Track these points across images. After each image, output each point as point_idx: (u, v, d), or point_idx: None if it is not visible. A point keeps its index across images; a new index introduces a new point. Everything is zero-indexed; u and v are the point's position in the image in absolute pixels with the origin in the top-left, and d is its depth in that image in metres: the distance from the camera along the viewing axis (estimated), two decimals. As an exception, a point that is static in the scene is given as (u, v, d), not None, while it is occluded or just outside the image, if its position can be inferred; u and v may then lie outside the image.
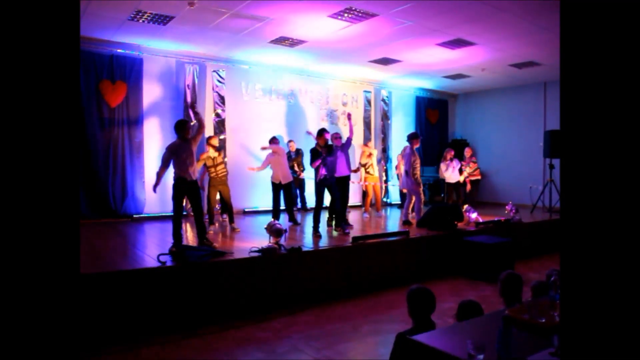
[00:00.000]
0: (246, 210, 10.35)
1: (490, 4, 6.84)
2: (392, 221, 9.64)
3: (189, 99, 9.70)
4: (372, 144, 10.56)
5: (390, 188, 12.99)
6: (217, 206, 8.89)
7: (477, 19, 7.50)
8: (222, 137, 9.94)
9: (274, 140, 8.84)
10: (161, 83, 9.63)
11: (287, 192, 8.61)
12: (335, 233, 7.40)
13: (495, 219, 8.67)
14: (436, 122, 14.30)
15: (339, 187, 7.69)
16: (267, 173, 10.36)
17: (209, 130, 10.02)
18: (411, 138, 8.50)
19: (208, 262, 5.24)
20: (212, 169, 7.94)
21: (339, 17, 7.43)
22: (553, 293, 2.62)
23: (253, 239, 6.75)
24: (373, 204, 10.35)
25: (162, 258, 5.14)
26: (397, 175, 11.78)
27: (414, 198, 8.75)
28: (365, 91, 12.72)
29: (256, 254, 5.59)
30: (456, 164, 10.46)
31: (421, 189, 8.58)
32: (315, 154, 7.39)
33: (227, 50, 9.67)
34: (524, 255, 8.17)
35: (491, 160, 13.47)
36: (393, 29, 8.05)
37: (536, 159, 12.40)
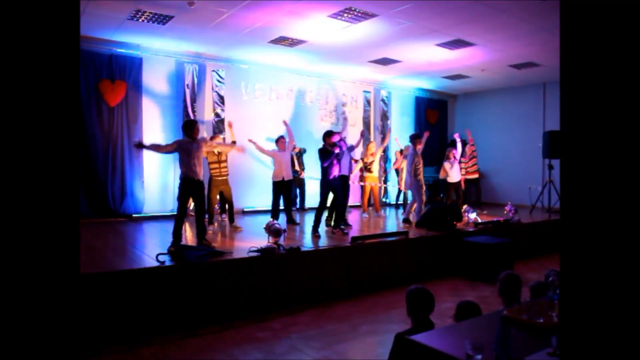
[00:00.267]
0: (245, 209, 10.35)
1: (490, 5, 6.84)
2: (391, 221, 9.65)
3: (188, 99, 9.71)
4: (374, 144, 10.57)
5: (389, 188, 12.99)
6: (216, 206, 8.89)
7: (477, 20, 7.51)
8: (221, 136, 9.92)
9: (280, 140, 8.82)
10: (161, 83, 9.63)
11: (287, 191, 8.61)
12: (333, 233, 7.39)
13: (495, 220, 8.68)
14: (435, 122, 14.30)
15: (343, 188, 7.71)
16: (266, 172, 10.39)
17: (208, 130, 10.04)
18: (414, 139, 8.57)
19: (207, 262, 5.24)
20: (217, 168, 7.98)
21: (339, 17, 7.43)
22: (551, 293, 2.62)
23: (252, 238, 6.75)
24: (372, 204, 10.34)
25: (161, 258, 5.14)
26: (396, 170, 11.78)
27: (416, 198, 8.75)
28: (364, 91, 12.72)
29: (255, 254, 5.59)
30: (456, 164, 10.49)
31: (423, 190, 8.60)
32: (326, 153, 7.33)
33: (227, 50, 9.67)
34: (523, 256, 8.19)
35: (490, 160, 13.47)
36: (393, 29, 8.05)
37: (535, 160, 12.40)
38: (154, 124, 9.50)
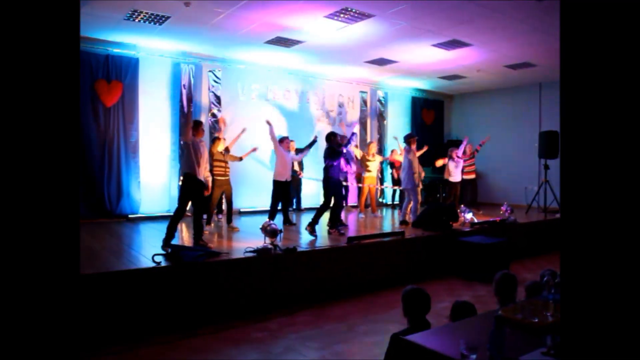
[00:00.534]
0: (242, 210, 10.35)
1: (485, 6, 6.87)
2: (388, 221, 9.67)
3: (184, 99, 9.70)
4: (375, 145, 10.65)
5: (386, 189, 13.00)
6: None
7: (473, 21, 7.53)
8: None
9: (285, 140, 8.81)
10: (157, 83, 9.62)
11: (287, 192, 8.59)
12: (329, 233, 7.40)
13: (491, 220, 8.70)
14: (432, 122, 14.33)
15: (341, 189, 7.73)
16: (263, 173, 10.40)
17: (205, 131, 10.02)
18: (408, 138, 8.63)
19: (203, 263, 5.24)
20: (222, 168, 8.00)
21: (335, 18, 7.44)
22: (546, 293, 2.64)
23: (248, 239, 6.75)
24: (368, 204, 10.36)
25: (157, 258, 5.14)
26: (391, 162, 11.77)
27: (412, 198, 8.77)
28: (361, 92, 12.73)
29: (251, 255, 5.59)
30: (460, 162, 10.53)
31: (419, 189, 8.63)
32: (335, 152, 7.35)
33: (223, 50, 9.67)
34: (519, 256, 8.20)
35: (487, 160, 13.50)
36: (389, 30, 8.07)
37: (531, 160, 12.44)
38: (151, 125, 9.49)
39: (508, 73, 11.41)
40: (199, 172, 6.21)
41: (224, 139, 8.60)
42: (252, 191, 10.41)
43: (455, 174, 10.52)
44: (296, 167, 10.17)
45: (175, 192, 9.61)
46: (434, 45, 8.99)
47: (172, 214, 6.32)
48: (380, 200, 12.74)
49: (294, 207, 10.74)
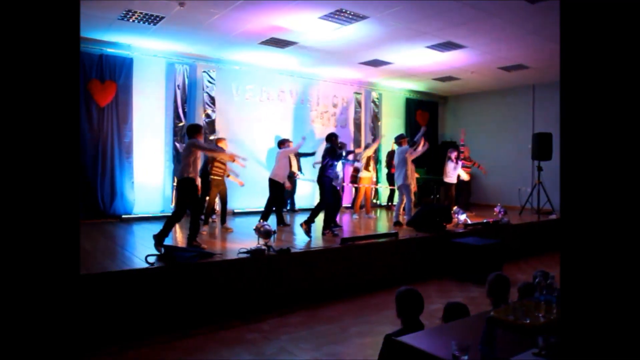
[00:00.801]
0: (236, 211, 10.33)
1: (479, 8, 6.90)
2: (382, 223, 9.68)
3: (179, 99, 9.68)
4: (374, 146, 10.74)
5: (380, 190, 13.02)
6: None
7: (466, 23, 7.56)
8: (211, 137, 9.92)
9: (287, 143, 8.83)
10: (151, 83, 9.59)
11: (281, 193, 8.59)
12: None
13: (484, 221, 8.73)
14: (426, 124, 14.34)
15: (335, 191, 7.72)
16: (258, 174, 10.38)
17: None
18: (399, 139, 8.76)
19: (196, 264, 5.23)
20: (221, 170, 8.01)
21: (330, 19, 7.45)
22: (538, 294, 2.65)
23: (242, 240, 6.74)
24: (363, 205, 10.37)
25: (150, 259, 5.12)
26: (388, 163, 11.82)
27: (404, 198, 8.80)
28: (355, 93, 12.74)
29: (245, 255, 5.59)
30: (459, 163, 10.57)
31: (411, 189, 8.66)
32: (334, 152, 7.38)
33: (218, 51, 9.66)
34: (512, 257, 8.24)
35: (480, 162, 13.51)
36: (383, 31, 8.09)
37: (525, 161, 12.50)
38: (144, 125, 9.46)
39: (502, 75, 11.46)
40: (197, 173, 6.26)
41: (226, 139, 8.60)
42: (247, 192, 10.38)
43: (451, 176, 10.55)
44: (294, 169, 10.15)
45: (169, 193, 9.60)
46: (428, 47, 9.02)
47: (166, 214, 6.31)
48: (374, 201, 12.76)
49: (288, 207, 10.73)
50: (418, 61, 10.21)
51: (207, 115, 10.04)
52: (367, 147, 10.40)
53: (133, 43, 9.07)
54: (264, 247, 5.78)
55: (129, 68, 9.14)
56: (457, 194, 10.74)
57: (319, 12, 7.15)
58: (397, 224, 8.52)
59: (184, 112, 9.72)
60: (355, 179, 10.35)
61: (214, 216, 8.91)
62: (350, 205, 11.63)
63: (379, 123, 13.25)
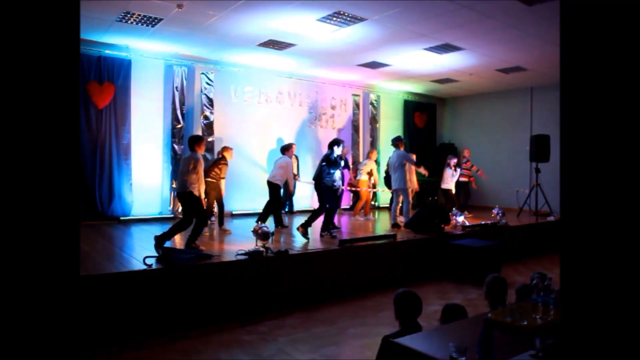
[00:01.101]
0: (234, 213, 10.33)
1: (477, 11, 6.91)
2: (380, 225, 9.68)
3: (177, 101, 9.68)
4: (376, 152, 10.76)
5: (379, 193, 13.02)
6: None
7: (464, 25, 7.57)
8: (210, 139, 9.92)
9: (293, 147, 8.85)
10: (149, 85, 9.59)
11: (280, 195, 8.61)
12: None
13: (482, 222, 8.74)
14: (424, 126, 14.38)
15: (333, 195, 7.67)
16: (255, 176, 10.39)
17: (197, 133, 10.01)
18: (396, 141, 8.74)
19: (194, 265, 5.23)
20: (219, 173, 8.01)
21: (328, 21, 7.46)
22: (535, 296, 2.66)
23: (240, 241, 6.74)
24: (362, 207, 10.37)
25: (149, 261, 5.12)
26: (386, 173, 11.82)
27: (401, 199, 8.80)
28: (353, 95, 12.76)
29: (243, 257, 5.59)
30: (458, 171, 10.60)
31: (410, 191, 8.67)
32: (334, 163, 7.33)
33: (216, 53, 9.66)
34: (510, 259, 8.24)
35: (479, 164, 13.51)
36: (381, 34, 8.10)
37: (523, 163, 12.52)
38: (143, 126, 9.46)
39: (500, 77, 11.48)
40: (199, 187, 6.19)
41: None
42: (245, 194, 10.40)
43: (449, 182, 10.56)
44: (294, 171, 10.14)
45: (167, 194, 9.59)
46: (426, 49, 9.03)
47: (164, 216, 6.30)
48: (373, 203, 12.76)
49: (286, 209, 10.73)
50: (416, 63, 10.23)
51: (206, 117, 10.04)
52: (366, 161, 10.37)
53: (131, 45, 9.07)
54: (262, 249, 5.78)
55: (127, 70, 9.14)
56: (456, 196, 10.76)
57: (317, 14, 7.16)
58: (395, 225, 8.53)
59: (182, 114, 9.72)
60: (353, 182, 10.36)
61: (212, 218, 8.90)
62: (349, 207, 11.64)
63: (377, 125, 13.27)
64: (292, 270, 5.88)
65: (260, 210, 8.58)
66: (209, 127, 10.06)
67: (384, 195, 12.79)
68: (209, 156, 9.71)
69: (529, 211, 11.15)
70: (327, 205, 7.32)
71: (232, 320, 5.16)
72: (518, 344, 2.31)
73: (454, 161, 10.58)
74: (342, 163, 7.44)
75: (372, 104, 13.15)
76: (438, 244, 7.46)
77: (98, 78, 8.83)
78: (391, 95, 13.70)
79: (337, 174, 7.39)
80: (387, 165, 12.22)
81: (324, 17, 7.29)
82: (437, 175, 11.41)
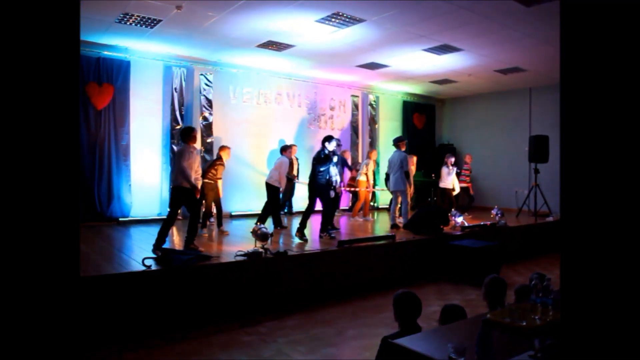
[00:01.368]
0: (233, 214, 10.33)
1: (475, 12, 6.92)
2: (379, 225, 9.68)
3: (176, 102, 9.67)
4: (375, 152, 10.77)
5: (378, 193, 13.02)
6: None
7: (463, 26, 7.58)
8: (209, 140, 9.92)
9: (293, 148, 8.82)
10: (148, 86, 9.59)
11: (278, 195, 8.60)
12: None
13: (481, 223, 8.74)
14: (423, 126, 14.38)
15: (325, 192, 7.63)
16: (254, 176, 10.39)
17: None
18: (398, 141, 8.71)
19: (193, 266, 5.23)
20: (215, 174, 8.01)
21: (327, 22, 7.47)
22: (534, 297, 2.66)
23: (239, 243, 6.74)
24: (361, 208, 10.37)
25: (147, 262, 5.12)
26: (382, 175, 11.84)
27: (399, 200, 8.80)
28: (352, 95, 12.76)
29: (242, 258, 5.58)
30: (454, 169, 10.61)
31: (409, 192, 8.66)
32: (325, 159, 7.27)
33: (215, 54, 9.67)
34: (509, 259, 8.24)
35: (478, 164, 13.57)
36: (380, 35, 8.11)
37: (522, 164, 12.53)
38: (142, 128, 9.46)
39: (498, 78, 11.49)
40: (189, 181, 6.06)
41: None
42: (243, 195, 10.40)
43: (446, 181, 10.58)
44: (295, 172, 10.13)
45: (166, 195, 9.59)
46: (425, 50, 9.04)
47: (163, 217, 6.30)
48: (372, 203, 12.76)
49: (285, 210, 10.73)
50: (415, 64, 10.24)
51: (205, 118, 10.04)
52: (366, 161, 10.36)
53: (130, 46, 9.07)
54: (261, 250, 5.78)
55: (126, 71, 9.14)
56: (458, 198, 10.78)
57: (316, 15, 7.16)
58: (394, 226, 8.53)
59: (181, 115, 9.72)
60: (352, 183, 10.36)
61: (211, 219, 8.90)
62: (348, 208, 11.64)
63: (376, 126, 13.27)
64: (291, 271, 5.88)
65: (259, 212, 8.58)
66: (207, 128, 10.06)
67: (383, 196, 12.79)
68: (207, 157, 9.72)
69: (528, 212, 11.16)
70: (323, 204, 7.29)
71: (231, 321, 5.16)
72: (517, 344, 2.31)
73: (451, 160, 10.59)
74: (335, 159, 7.32)
75: (371, 104, 13.16)
76: (437, 245, 7.46)
77: (97, 79, 8.83)
78: (390, 96, 13.70)
79: (333, 169, 7.31)
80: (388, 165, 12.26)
81: (322, 18, 7.30)
82: (436, 176, 11.42)
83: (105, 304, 4.59)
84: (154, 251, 5.79)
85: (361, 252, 6.63)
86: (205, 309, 5.16)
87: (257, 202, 8.84)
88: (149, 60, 9.51)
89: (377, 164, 12.92)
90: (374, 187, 10.94)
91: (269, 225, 7.75)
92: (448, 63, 10.05)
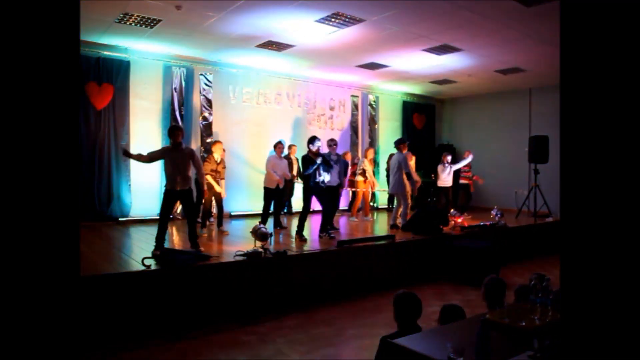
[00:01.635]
0: (233, 214, 10.33)
1: (475, 12, 6.92)
2: (379, 225, 9.68)
3: (176, 102, 9.67)
4: (372, 151, 10.74)
5: (378, 193, 13.02)
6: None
7: (462, 26, 7.58)
8: (208, 140, 9.92)
9: (279, 145, 8.74)
10: (148, 86, 9.59)
11: (279, 197, 8.57)
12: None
13: (481, 224, 8.74)
14: (423, 127, 14.38)
15: (329, 195, 7.60)
16: (255, 177, 10.38)
17: (196, 134, 10.02)
18: (399, 144, 8.69)
19: (193, 266, 5.23)
20: (215, 173, 7.99)
21: (327, 22, 7.47)
22: (533, 297, 2.66)
23: (239, 243, 6.74)
24: (361, 208, 10.37)
25: (147, 262, 5.12)
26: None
27: (402, 202, 8.79)
28: (352, 96, 12.76)
29: (241, 258, 5.58)
30: (450, 167, 10.60)
31: (409, 194, 8.66)
32: (309, 161, 7.18)
33: (215, 54, 9.67)
34: (509, 260, 8.25)
35: (477, 165, 13.54)
36: (380, 35, 8.10)
37: (521, 164, 12.53)
38: (142, 128, 9.46)
39: (498, 78, 11.49)
40: (176, 182, 5.95)
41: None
42: (243, 195, 10.40)
43: (443, 179, 10.57)
44: (294, 172, 10.12)
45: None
46: (425, 50, 9.04)
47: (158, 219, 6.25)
48: (372, 204, 12.75)
49: (285, 210, 10.72)
50: (415, 64, 10.24)
51: (204, 118, 10.04)
52: (362, 160, 10.33)
53: (130, 46, 9.07)
54: (260, 250, 5.78)
55: (126, 71, 9.14)
56: (455, 197, 10.77)
57: (316, 15, 7.16)
58: (394, 227, 8.53)
59: (181, 115, 9.71)
60: (352, 183, 10.35)
61: (211, 219, 8.90)
62: (347, 208, 11.63)
63: (376, 126, 13.28)
64: (290, 271, 5.88)
65: (259, 212, 8.57)
66: (207, 128, 10.06)
67: (382, 196, 12.80)
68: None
69: (528, 212, 11.15)
70: (307, 204, 7.26)
71: (231, 321, 5.16)
72: (516, 344, 2.31)
73: (448, 158, 10.59)
74: (320, 160, 7.16)
75: (370, 105, 13.16)
76: (436, 245, 7.46)
77: (97, 79, 8.83)
78: (390, 96, 13.70)
79: (321, 170, 7.19)
80: (387, 165, 12.26)
81: (322, 18, 7.30)
82: (437, 176, 11.40)
83: (104, 304, 4.59)
84: (154, 252, 5.78)
85: (361, 252, 6.63)
86: (204, 309, 5.16)
87: (256, 202, 8.83)
88: (148, 60, 9.50)
89: (376, 163, 12.91)
90: (373, 187, 10.91)
91: (269, 225, 7.74)
92: (448, 63, 10.05)
